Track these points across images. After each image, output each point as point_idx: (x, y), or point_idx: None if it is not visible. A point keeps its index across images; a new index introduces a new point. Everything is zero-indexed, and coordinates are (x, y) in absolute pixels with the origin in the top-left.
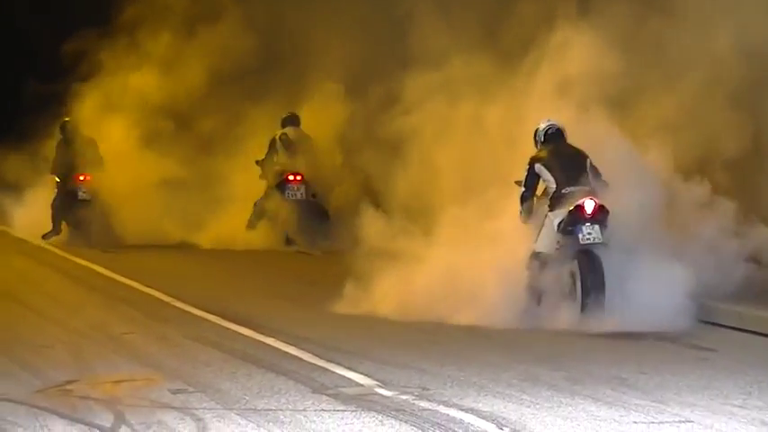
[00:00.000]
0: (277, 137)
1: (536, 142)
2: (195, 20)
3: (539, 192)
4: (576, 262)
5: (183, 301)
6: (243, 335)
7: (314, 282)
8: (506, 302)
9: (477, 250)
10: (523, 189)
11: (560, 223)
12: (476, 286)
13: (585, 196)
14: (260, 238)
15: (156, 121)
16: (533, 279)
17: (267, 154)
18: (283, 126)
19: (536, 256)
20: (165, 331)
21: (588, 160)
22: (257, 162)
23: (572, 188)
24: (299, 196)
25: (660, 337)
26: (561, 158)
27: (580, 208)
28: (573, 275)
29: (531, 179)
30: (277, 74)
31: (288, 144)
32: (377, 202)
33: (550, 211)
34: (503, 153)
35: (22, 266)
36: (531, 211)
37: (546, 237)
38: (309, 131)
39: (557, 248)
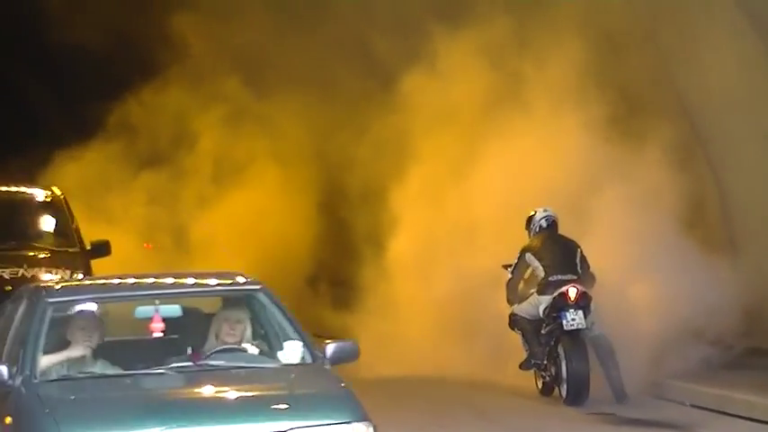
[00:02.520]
0: None
1: (530, 230)
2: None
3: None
4: (561, 346)
5: None
6: None
7: None
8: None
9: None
10: (510, 276)
11: (546, 309)
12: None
13: (570, 284)
14: None
15: None
16: (526, 336)
17: None
18: None
19: (514, 316)
20: None
21: (579, 250)
22: None
23: (560, 276)
24: None
25: (639, 421)
26: (553, 248)
27: (564, 294)
28: (557, 359)
29: (520, 267)
30: None
31: None
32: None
33: (538, 294)
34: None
35: None
36: (516, 294)
37: (527, 305)
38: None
39: (542, 332)
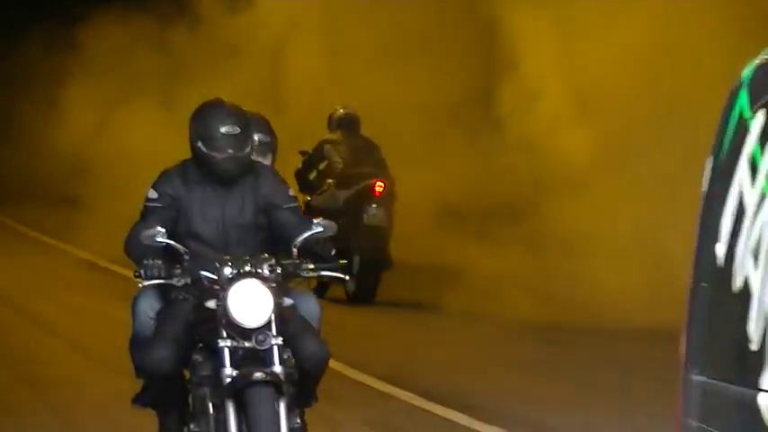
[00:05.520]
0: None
1: (330, 124)
2: None
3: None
4: (357, 239)
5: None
6: (449, 420)
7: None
8: None
9: None
10: (302, 165)
11: (346, 200)
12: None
13: (374, 178)
14: None
15: None
16: None
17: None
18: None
19: (309, 205)
20: (338, 414)
21: (378, 151)
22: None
23: (358, 169)
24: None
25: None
26: (352, 144)
27: (370, 187)
28: (351, 251)
29: (316, 157)
30: None
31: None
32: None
33: (336, 188)
34: None
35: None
36: (309, 185)
37: (325, 199)
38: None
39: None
